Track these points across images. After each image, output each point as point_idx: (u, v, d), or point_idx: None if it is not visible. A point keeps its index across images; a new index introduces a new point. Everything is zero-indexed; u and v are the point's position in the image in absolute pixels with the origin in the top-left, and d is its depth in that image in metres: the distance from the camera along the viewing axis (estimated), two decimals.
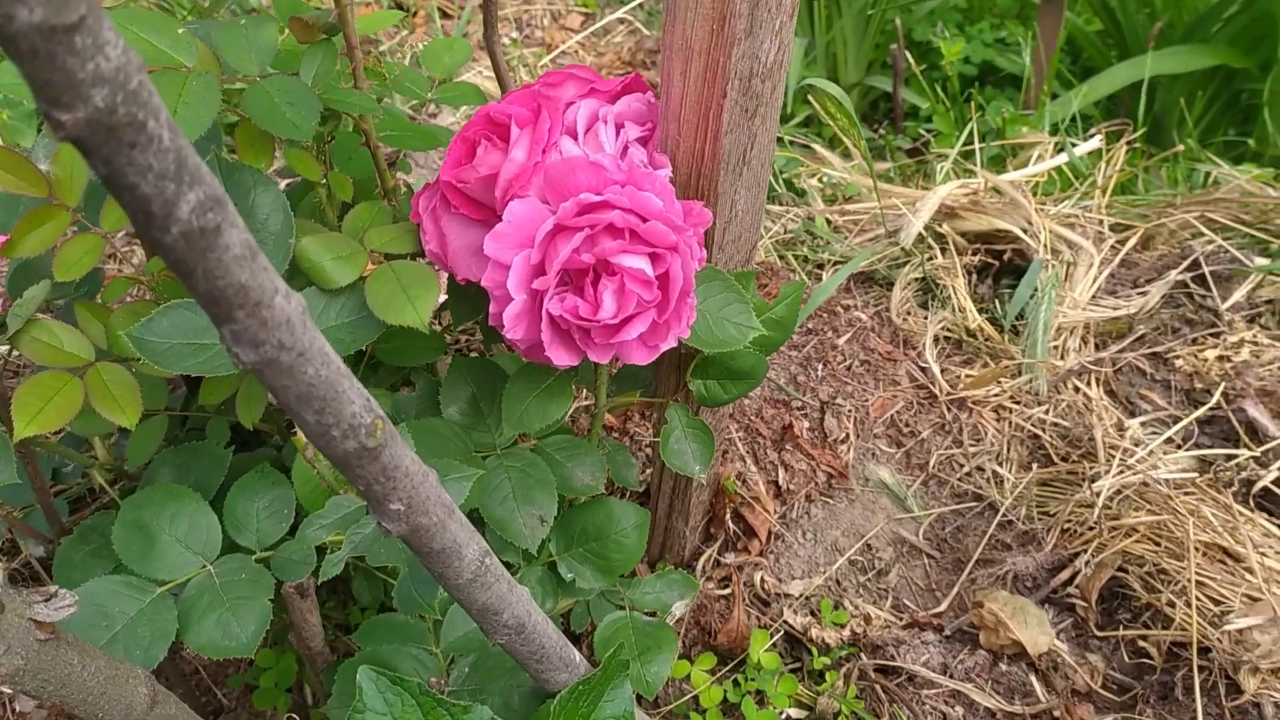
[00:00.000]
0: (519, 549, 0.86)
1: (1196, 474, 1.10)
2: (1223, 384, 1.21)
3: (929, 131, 2.11)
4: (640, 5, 2.69)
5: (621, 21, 2.61)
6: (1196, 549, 1.00)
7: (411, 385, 0.91)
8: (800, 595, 1.11)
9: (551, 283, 0.67)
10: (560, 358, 0.70)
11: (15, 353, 0.73)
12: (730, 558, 1.14)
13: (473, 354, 1.08)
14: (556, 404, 0.77)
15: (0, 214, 0.77)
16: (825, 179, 1.73)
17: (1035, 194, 1.57)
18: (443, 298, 0.84)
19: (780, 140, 1.94)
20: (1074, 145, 1.60)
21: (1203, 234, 1.41)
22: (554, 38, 2.58)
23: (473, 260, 0.73)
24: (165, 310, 0.68)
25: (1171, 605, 0.99)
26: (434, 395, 0.84)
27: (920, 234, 1.39)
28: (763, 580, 1.11)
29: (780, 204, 1.61)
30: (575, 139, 0.72)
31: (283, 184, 1.50)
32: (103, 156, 0.32)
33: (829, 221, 1.57)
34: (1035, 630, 1.00)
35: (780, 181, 1.67)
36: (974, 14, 2.73)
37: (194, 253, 0.36)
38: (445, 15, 2.45)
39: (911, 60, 2.09)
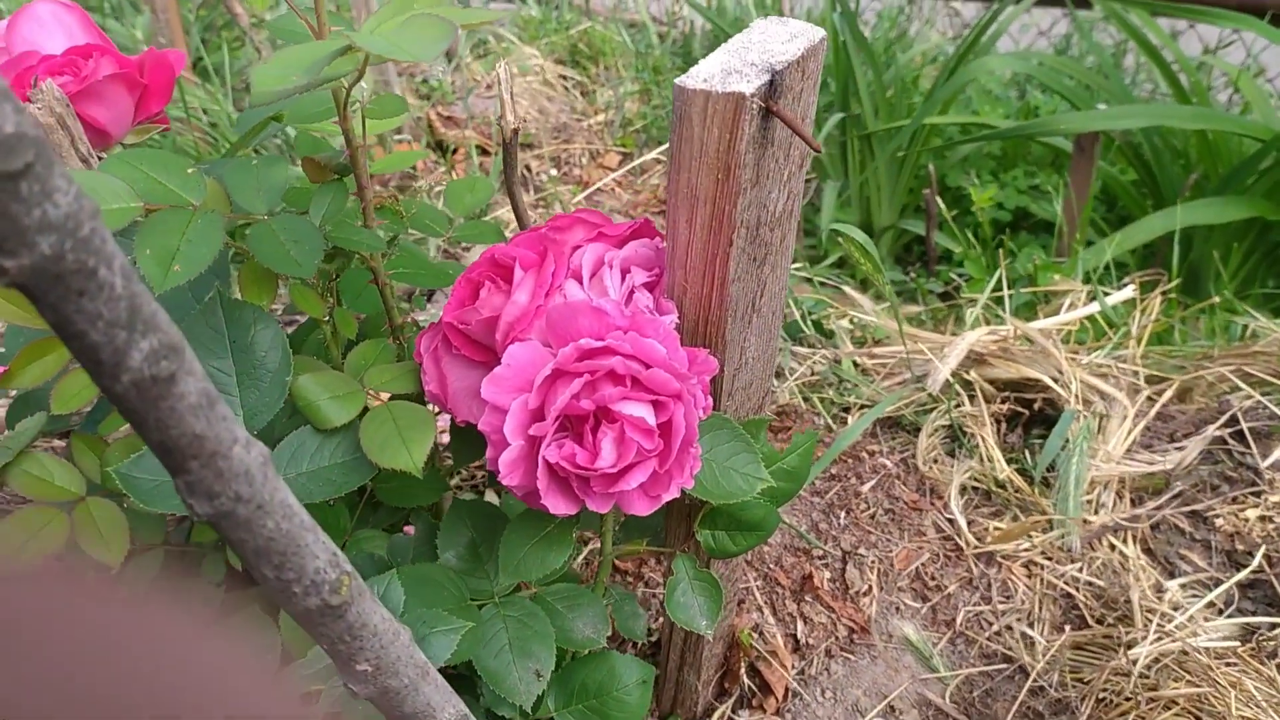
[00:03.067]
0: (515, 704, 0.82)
1: (1239, 643, 1.04)
2: (1264, 546, 1.16)
3: (960, 276, 2.10)
4: None
5: (658, 161, 2.66)
6: None
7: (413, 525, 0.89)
8: None
9: (549, 429, 0.65)
10: (557, 506, 0.67)
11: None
12: (744, 716, 1.08)
13: (476, 494, 1.06)
14: (556, 552, 0.75)
15: (9, 344, 0.77)
16: (855, 321, 1.72)
17: (1067, 342, 1.54)
18: (445, 438, 0.83)
19: (809, 281, 1.94)
20: (1106, 294, 1.58)
21: (1240, 388, 1.37)
22: (591, 175, 2.63)
23: (473, 402, 0.72)
24: None
25: None
26: (432, 538, 0.82)
27: (948, 380, 1.37)
28: None
29: (807, 345, 1.60)
30: (580, 283, 0.71)
31: (290, 320, 1.51)
32: (49, 303, 0.31)
33: (856, 364, 1.55)
34: None
35: (809, 323, 1.66)
36: (1007, 161, 2.76)
37: (146, 402, 0.35)
38: (484, 153, 2.52)
39: (943, 206, 2.10)
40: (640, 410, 0.65)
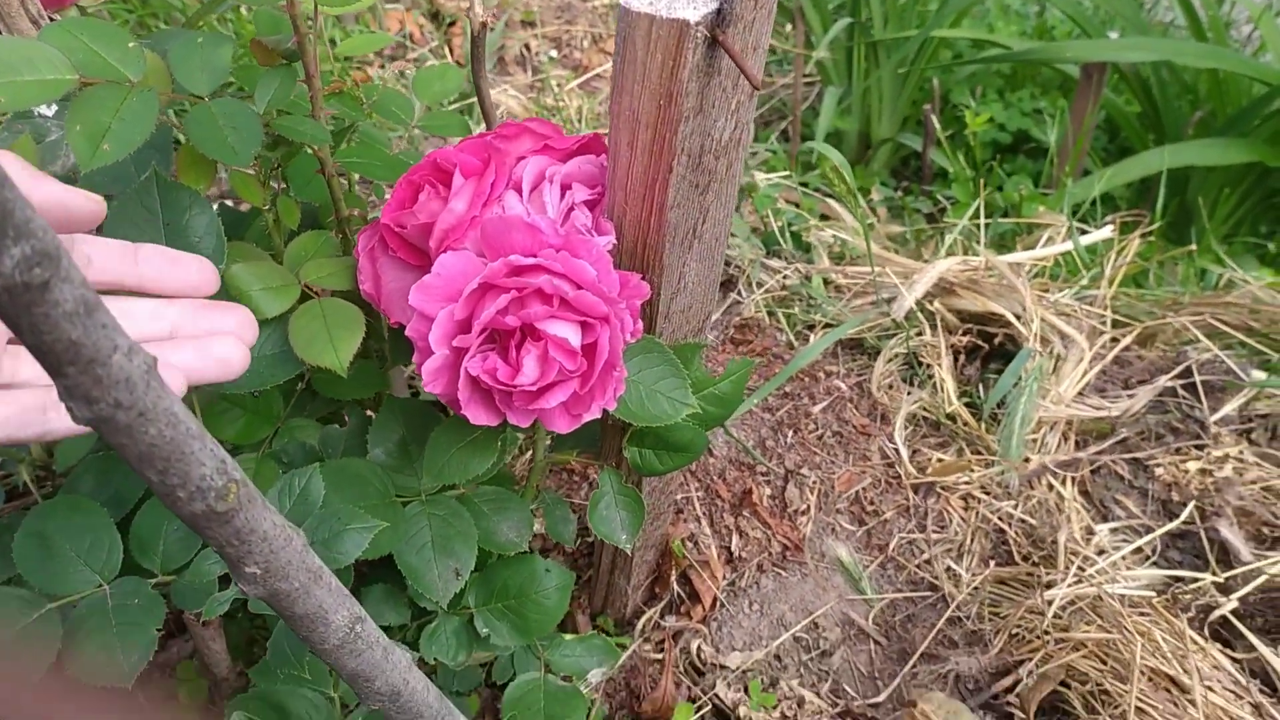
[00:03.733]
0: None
1: (1155, 594, 1.06)
2: (1198, 499, 1.17)
3: (949, 198, 2.08)
4: None
5: None
6: (1142, 674, 0.97)
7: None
8: (737, 668, 1.08)
9: (474, 342, 0.65)
10: (478, 417, 0.68)
11: None
12: (671, 621, 1.12)
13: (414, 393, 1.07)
14: (480, 458, 0.76)
15: None
16: (835, 237, 1.71)
17: (1040, 277, 1.54)
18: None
19: (794, 187, 1.92)
20: (1085, 232, 1.56)
21: (1201, 340, 1.37)
22: (591, 60, 2.57)
23: (405, 305, 0.72)
24: None
25: None
26: (365, 433, 0.82)
27: (913, 308, 1.37)
28: (700, 649, 1.09)
29: (783, 259, 1.59)
30: (520, 196, 0.70)
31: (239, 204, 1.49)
32: None
33: (828, 281, 1.55)
34: None
35: (787, 235, 1.65)
36: (1016, 81, 2.70)
37: (18, 307, 0.35)
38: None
39: (937, 124, 2.06)
40: (565, 330, 0.65)
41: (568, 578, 0.87)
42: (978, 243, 1.64)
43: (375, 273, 0.73)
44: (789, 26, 2.74)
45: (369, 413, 0.93)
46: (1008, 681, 1.04)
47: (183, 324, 0.60)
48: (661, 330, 0.78)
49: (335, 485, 0.77)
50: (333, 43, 2.11)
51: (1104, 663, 1.00)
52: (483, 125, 0.96)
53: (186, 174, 0.74)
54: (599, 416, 0.70)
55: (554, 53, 2.56)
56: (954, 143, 2.38)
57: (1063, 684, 1.01)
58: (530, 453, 1.15)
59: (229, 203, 1.45)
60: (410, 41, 2.34)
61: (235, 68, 0.78)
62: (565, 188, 0.72)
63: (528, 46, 2.51)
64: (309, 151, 0.87)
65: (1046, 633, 1.03)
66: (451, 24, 2.40)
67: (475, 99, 2.14)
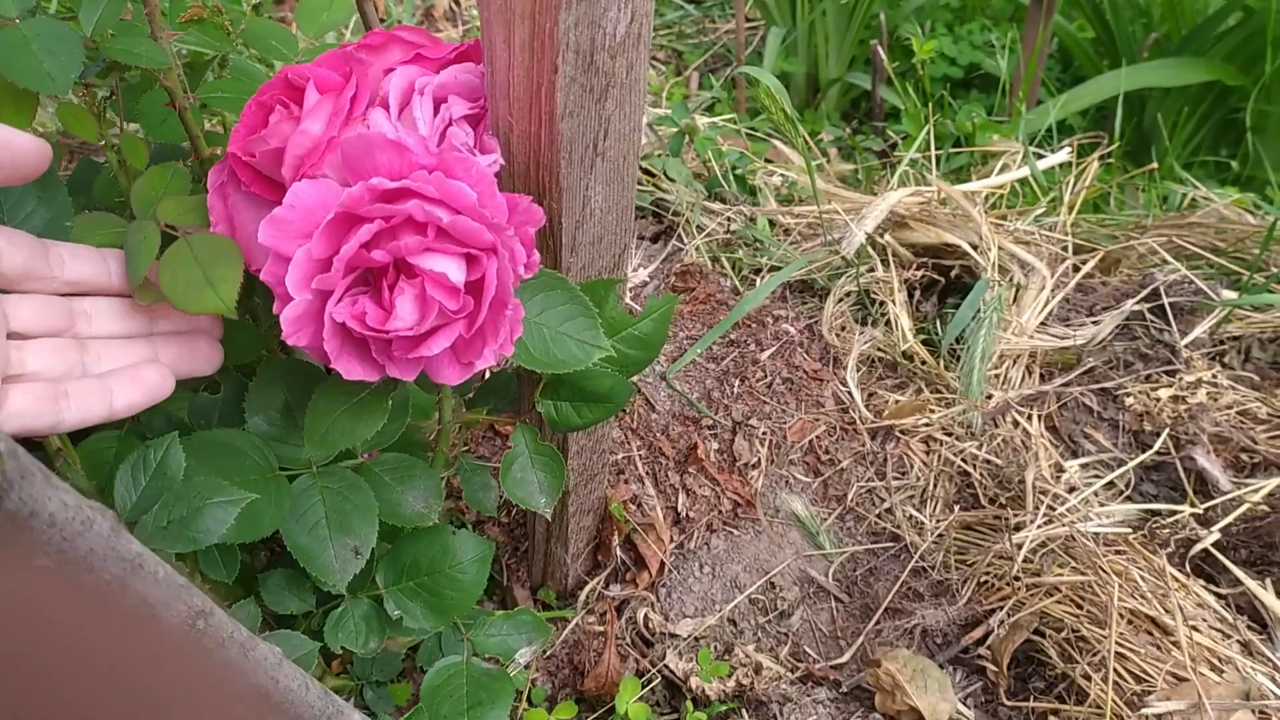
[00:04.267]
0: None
1: (1131, 530, 0.99)
2: (1171, 428, 1.10)
3: (901, 135, 1.99)
4: None
5: None
6: (1121, 616, 0.90)
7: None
8: (689, 636, 1.00)
9: (338, 283, 0.56)
10: (352, 371, 0.59)
11: None
12: (615, 590, 1.03)
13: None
14: (367, 421, 0.66)
15: None
16: (783, 178, 1.62)
17: (997, 207, 1.46)
18: None
19: (740, 133, 1.82)
20: (1041, 157, 1.48)
21: (1169, 262, 1.30)
22: None
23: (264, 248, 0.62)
24: None
25: (1087, 678, 0.89)
26: (242, 400, 0.73)
27: (863, 244, 1.28)
28: (647, 618, 1.01)
29: (724, 202, 1.50)
30: (388, 113, 0.61)
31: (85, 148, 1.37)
32: None
33: (774, 224, 1.46)
34: (935, 696, 0.90)
35: (731, 178, 1.55)
36: (966, 14, 2.62)
37: None
38: None
39: (888, 60, 1.97)
40: (444, 264, 0.56)
41: (485, 548, 0.79)
42: (931, 174, 1.55)
43: (227, 212, 0.63)
44: None
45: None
46: (978, 633, 0.96)
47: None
48: (569, 266, 0.69)
49: (204, 459, 0.67)
50: None
51: (1079, 607, 0.92)
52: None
53: (3, 111, 0.64)
54: (494, 364, 0.61)
55: None
56: (904, 80, 2.30)
57: (1036, 632, 0.94)
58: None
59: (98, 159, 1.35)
60: None
61: None
62: (440, 101, 0.62)
63: (457, 1, 2.40)
64: (157, 86, 0.77)
65: (1017, 578, 0.96)
66: None
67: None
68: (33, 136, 0.53)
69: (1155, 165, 1.51)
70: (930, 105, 1.58)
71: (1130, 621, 0.90)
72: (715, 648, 0.99)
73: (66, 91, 0.60)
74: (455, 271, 0.57)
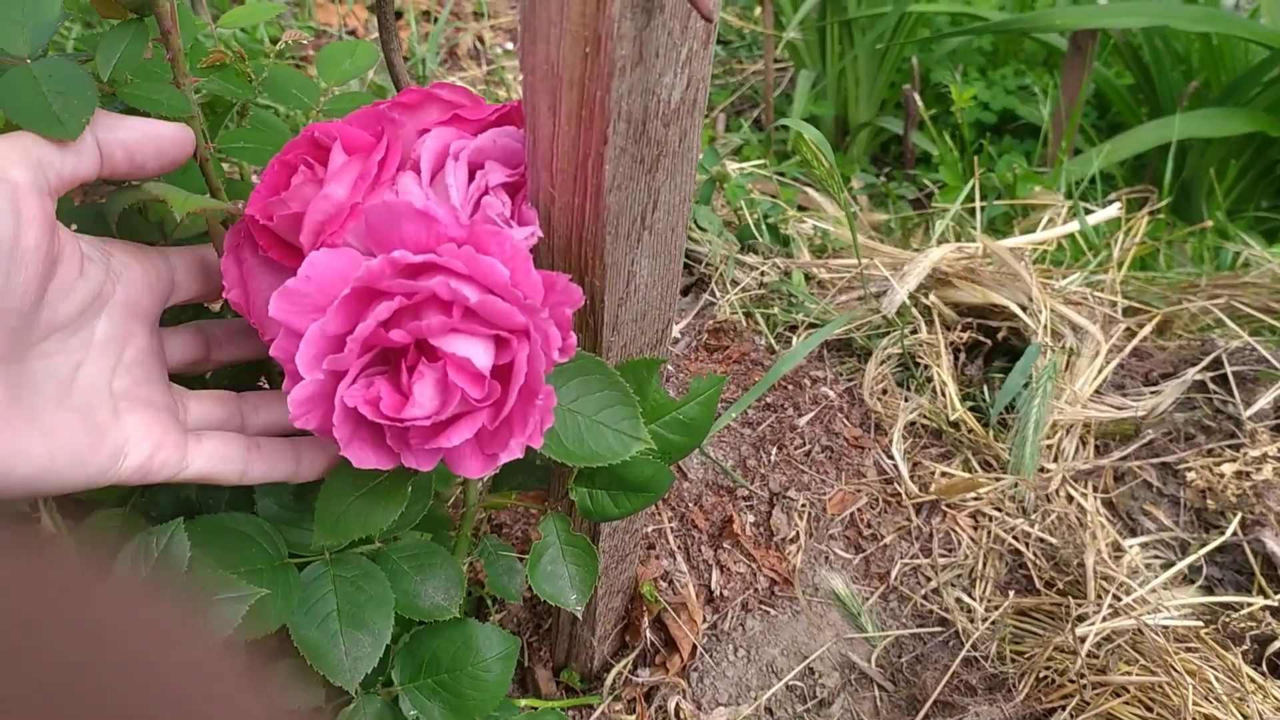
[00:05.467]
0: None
1: (1201, 623, 0.92)
2: (1240, 509, 1.03)
3: (936, 183, 1.94)
4: None
5: None
6: None
7: None
8: None
9: (352, 363, 0.50)
10: (364, 459, 0.53)
11: None
12: (644, 675, 0.97)
13: None
14: (385, 508, 0.60)
15: None
16: (817, 228, 1.56)
17: (1041, 263, 1.40)
18: None
19: (770, 179, 1.77)
20: (1089, 211, 1.42)
21: (1224, 323, 1.23)
22: None
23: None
24: None
25: None
26: None
27: (905, 302, 1.22)
28: (678, 706, 0.94)
29: (759, 254, 1.44)
30: (420, 179, 0.55)
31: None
32: None
33: (809, 277, 1.40)
34: None
35: (764, 228, 1.50)
36: (998, 58, 2.57)
37: None
38: (428, 17, 2.30)
39: (920, 104, 1.92)
40: (470, 348, 0.50)
41: (511, 645, 0.72)
42: (970, 229, 1.49)
43: (242, 277, 0.57)
44: (757, 9, 2.59)
45: None
46: None
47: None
48: (609, 345, 0.63)
49: (210, 546, 0.62)
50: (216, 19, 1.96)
51: (1149, 709, 0.85)
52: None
53: None
54: (520, 456, 0.55)
55: (509, 44, 2.41)
56: (937, 124, 2.25)
57: None
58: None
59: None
60: (351, 38, 2.18)
61: (83, 34, 0.63)
62: (476, 167, 0.56)
63: (481, 39, 2.36)
64: None
65: (1081, 675, 0.89)
66: (398, 16, 2.25)
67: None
68: (173, 124, 0.54)
69: (1209, 223, 1.44)
70: (969, 154, 1.53)
71: None
72: None
73: (77, 137, 0.55)
74: (481, 356, 0.51)
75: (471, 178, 0.57)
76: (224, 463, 0.55)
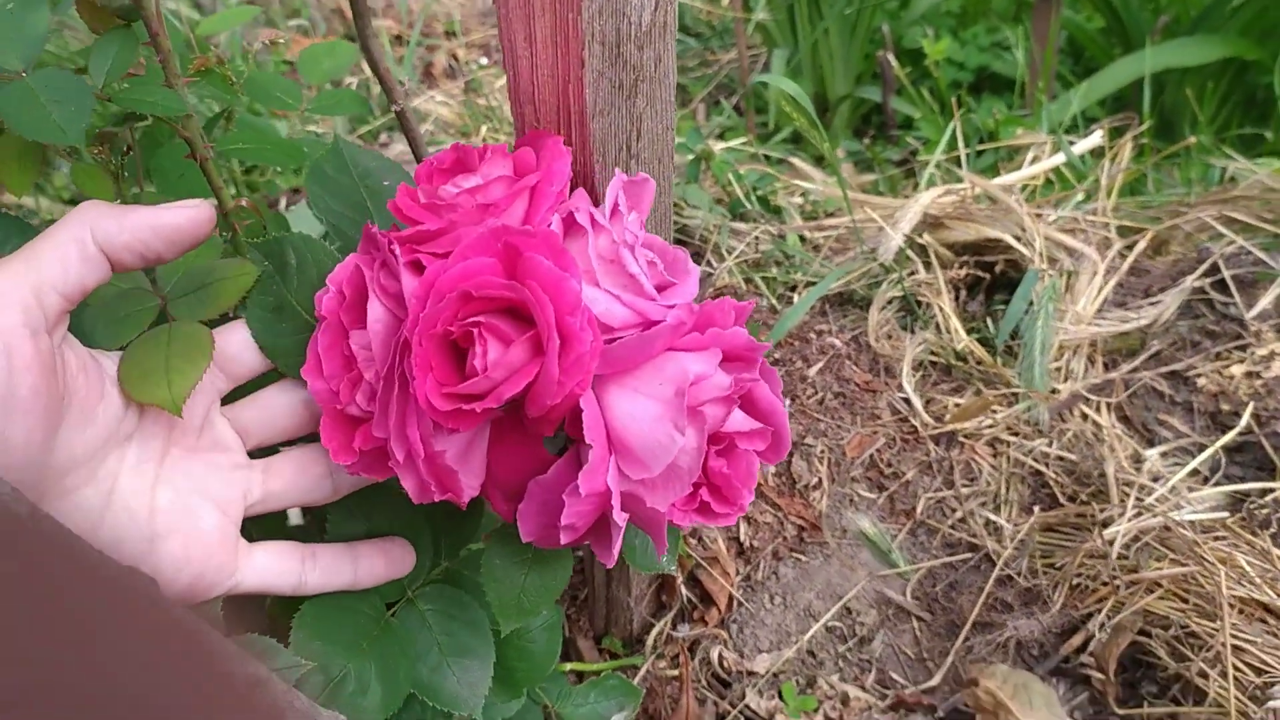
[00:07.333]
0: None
1: (1227, 513, 0.93)
2: (1252, 404, 1.04)
3: (919, 140, 1.95)
4: None
5: None
6: (1231, 606, 0.83)
7: None
8: (767, 672, 0.94)
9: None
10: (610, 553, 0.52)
11: None
12: (684, 630, 0.98)
13: None
14: (560, 570, 0.60)
15: None
16: (806, 195, 1.58)
17: (1031, 199, 1.41)
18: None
19: (756, 156, 1.79)
20: (1072, 144, 1.44)
21: (1221, 235, 1.24)
22: None
23: (463, 463, 0.52)
24: None
25: (1204, 676, 0.82)
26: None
27: (901, 248, 1.23)
28: (721, 657, 0.95)
29: (749, 221, 1.46)
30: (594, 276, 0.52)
31: None
32: None
33: (804, 239, 1.42)
34: (1042, 713, 0.83)
35: (754, 199, 1.51)
36: (968, 18, 2.58)
37: None
38: (399, 41, 2.33)
39: (898, 67, 1.94)
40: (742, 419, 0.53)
41: (555, 615, 0.73)
42: (955, 178, 1.51)
43: (401, 418, 0.50)
44: None
45: None
46: (1077, 640, 0.90)
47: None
48: None
49: (319, 626, 0.59)
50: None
51: (1185, 601, 0.86)
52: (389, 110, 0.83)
53: (8, 171, 0.61)
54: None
55: (484, 59, 2.43)
56: (917, 88, 2.26)
57: (1141, 633, 0.88)
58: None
59: None
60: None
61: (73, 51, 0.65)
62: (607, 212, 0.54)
63: (455, 56, 2.39)
64: (171, 139, 0.74)
65: (1113, 577, 0.90)
66: None
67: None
68: (186, 209, 0.49)
69: (1193, 139, 1.45)
70: (949, 107, 1.54)
71: (1241, 610, 0.84)
72: (797, 682, 0.93)
73: (79, 141, 0.56)
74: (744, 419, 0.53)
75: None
76: (278, 576, 0.53)
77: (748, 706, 0.91)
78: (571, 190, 0.58)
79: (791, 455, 1.08)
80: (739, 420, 0.52)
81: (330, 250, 0.63)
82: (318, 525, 0.68)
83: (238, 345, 0.56)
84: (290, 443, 0.60)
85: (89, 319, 0.57)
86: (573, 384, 0.47)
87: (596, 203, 0.58)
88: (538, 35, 0.52)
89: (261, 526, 0.63)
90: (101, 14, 0.64)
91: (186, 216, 0.49)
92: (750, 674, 0.94)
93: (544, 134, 0.56)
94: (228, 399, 0.58)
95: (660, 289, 0.54)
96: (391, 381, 0.49)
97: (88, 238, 0.47)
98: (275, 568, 0.54)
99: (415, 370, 0.47)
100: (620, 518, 0.49)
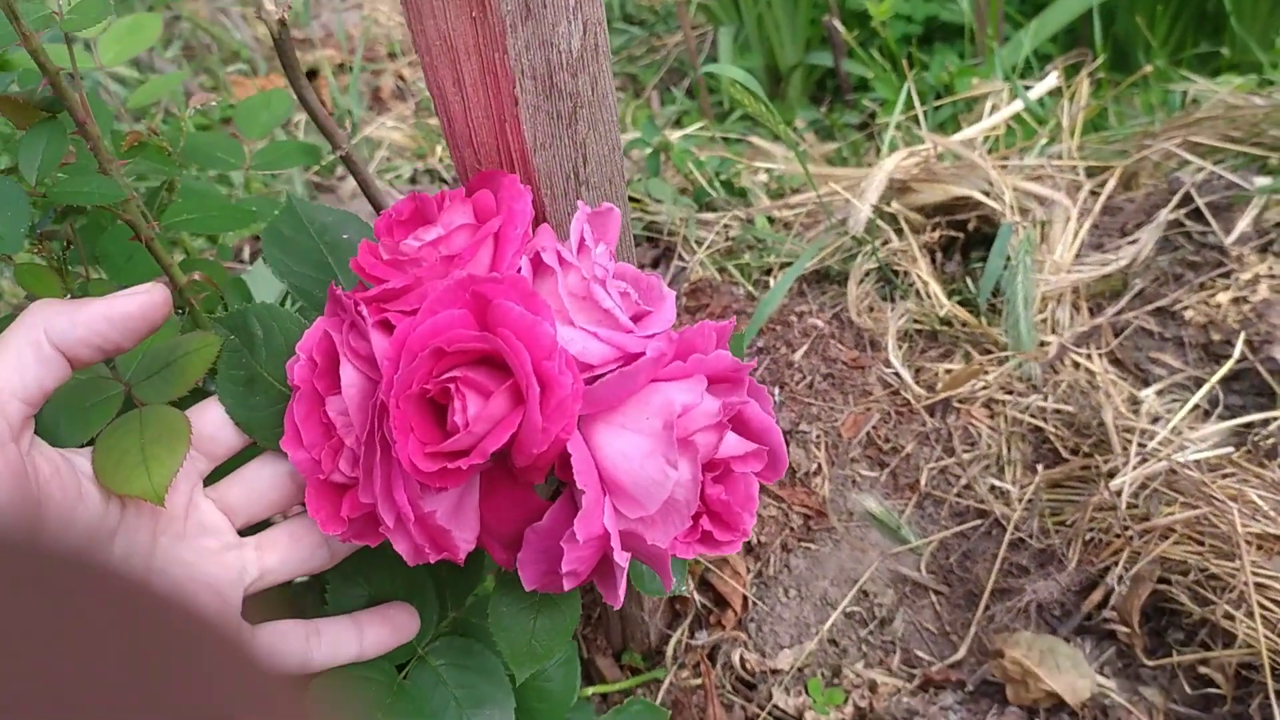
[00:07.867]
0: None
1: (1232, 448, 0.92)
2: (1243, 331, 1.03)
3: (875, 102, 1.94)
4: None
5: None
6: (1249, 543, 0.82)
7: None
8: (791, 668, 0.93)
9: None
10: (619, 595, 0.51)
11: None
12: (702, 637, 0.96)
13: None
14: (569, 611, 0.59)
15: None
16: (771, 173, 1.56)
17: (995, 150, 1.39)
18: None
19: (715, 140, 1.77)
20: (1028, 88, 1.42)
21: (1190, 161, 1.23)
22: None
23: (454, 520, 0.51)
24: None
25: (1230, 618, 0.81)
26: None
27: (871, 218, 1.22)
28: (743, 659, 0.94)
29: (715, 209, 1.44)
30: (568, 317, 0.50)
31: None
32: None
33: (772, 220, 1.40)
34: (1071, 675, 0.82)
35: (717, 185, 1.50)
36: None
37: None
38: (344, 69, 2.30)
39: (844, 31, 1.92)
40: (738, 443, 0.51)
41: (568, 649, 0.71)
42: (917, 138, 1.49)
43: (387, 476, 0.49)
44: None
45: None
46: (1098, 596, 0.89)
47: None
48: None
49: (330, 701, 0.59)
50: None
51: (1201, 544, 0.85)
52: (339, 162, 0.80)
53: None
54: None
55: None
56: (867, 49, 2.24)
57: (1161, 581, 0.87)
58: None
59: None
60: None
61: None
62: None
63: (402, 77, 2.36)
64: (111, 223, 0.72)
65: (1125, 528, 0.89)
66: (313, 75, 2.25)
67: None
68: (139, 295, 0.47)
69: (1149, 68, 1.44)
70: (901, 65, 1.52)
71: (1260, 546, 0.83)
72: (823, 674, 0.92)
73: (20, 248, 0.54)
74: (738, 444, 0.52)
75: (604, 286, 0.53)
76: (283, 658, 0.52)
77: (776, 706, 0.90)
78: (535, 227, 0.56)
79: (786, 443, 1.07)
80: (733, 444, 0.51)
81: (296, 317, 0.61)
82: (319, 588, 0.66)
83: (214, 424, 0.54)
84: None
85: (52, 414, 0.55)
86: (557, 429, 0.45)
87: (560, 235, 0.57)
88: (466, 79, 0.50)
89: (263, 595, 0.62)
90: (24, 109, 0.62)
91: (139, 303, 0.47)
92: (774, 672, 0.93)
93: (498, 173, 0.54)
94: (208, 478, 0.56)
95: (636, 319, 0.53)
96: (373, 446, 0.48)
97: (42, 339, 0.45)
98: (279, 649, 0.52)
99: (395, 433, 0.46)
100: (622, 558, 0.48)
